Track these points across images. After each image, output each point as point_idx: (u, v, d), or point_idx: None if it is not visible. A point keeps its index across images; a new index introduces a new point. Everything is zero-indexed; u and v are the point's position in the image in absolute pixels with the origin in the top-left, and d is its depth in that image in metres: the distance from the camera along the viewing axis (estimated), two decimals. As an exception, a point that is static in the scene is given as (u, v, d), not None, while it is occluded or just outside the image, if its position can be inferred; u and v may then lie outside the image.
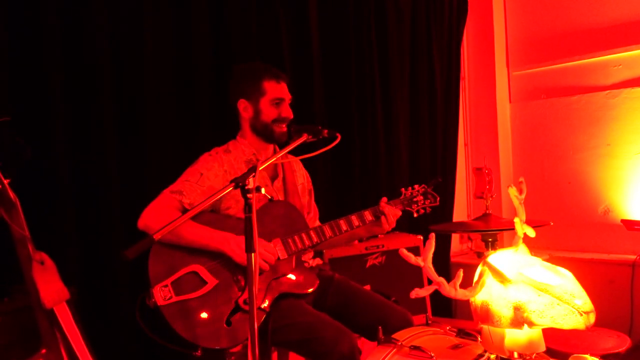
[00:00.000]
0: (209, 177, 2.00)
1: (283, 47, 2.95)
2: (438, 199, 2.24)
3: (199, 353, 1.79)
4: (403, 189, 2.23)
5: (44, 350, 1.57)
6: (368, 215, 2.12)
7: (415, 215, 2.20)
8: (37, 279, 1.54)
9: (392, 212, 2.12)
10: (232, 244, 1.86)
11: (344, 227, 2.09)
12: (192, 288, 1.84)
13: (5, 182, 1.51)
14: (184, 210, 1.90)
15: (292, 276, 2.00)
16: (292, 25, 3.03)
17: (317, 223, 2.35)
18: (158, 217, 1.85)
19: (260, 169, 1.55)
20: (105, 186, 2.31)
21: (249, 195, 1.49)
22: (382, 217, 2.11)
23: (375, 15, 3.48)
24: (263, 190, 1.54)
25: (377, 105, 3.46)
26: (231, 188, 1.51)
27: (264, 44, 2.87)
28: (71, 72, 2.23)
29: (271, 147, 2.19)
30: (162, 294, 1.79)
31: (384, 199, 2.16)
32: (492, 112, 4.25)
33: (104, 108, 2.31)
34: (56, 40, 2.18)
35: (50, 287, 1.56)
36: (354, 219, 2.10)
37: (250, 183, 1.49)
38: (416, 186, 2.24)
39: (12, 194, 1.52)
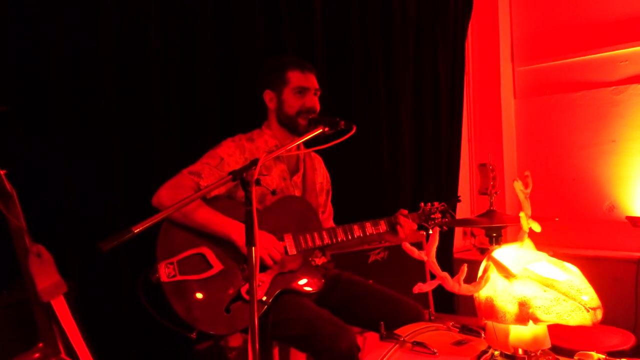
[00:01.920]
0: (229, 163, 1.98)
1: (286, 44, 2.92)
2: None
3: (194, 335, 1.78)
4: (422, 203, 2.23)
5: (40, 344, 1.55)
6: (383, 225, 2.12)
7: (430, 232, 2.18)
8: (34, 271, 1.52)
9: (408, 224, 2.11)
10: (241, 233, 1.83)
11: (357, 233, 2.08)
12: (197, 270, 1.83)
13: (2, 172, 1.49)
14: None
15: (297, 274, 1.99)
16: (297, 21, 3.00)
17: (331, 223, 2.35)
18: (173, 196, 1.83)
19: (264, 160, 1.53)
20: (106, 179, 2.29)
21: (249, 189, 1.46)
22: (399, 228, 2.11)
23: (380, 11, 3.45)
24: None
25: (381, 99, 3.43)
26: (229, 180, 1.49)
27: (268, 45, 2.84)
28: (75, 67, 2.21)
29: (296, 139, 2.15)
30: (166, 271, 1.78)
31: (404, 211, 2.15)
32: (497, 108, 4.22)
33: (108, 102, 2.29)
34: (62, 36, 2.16)
35: (47, 280, 1.53)
36: (368, 226, 2.10)
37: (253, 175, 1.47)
38: (436, 203, 2.24)
39: (8, 185, 1.50)
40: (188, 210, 1.83)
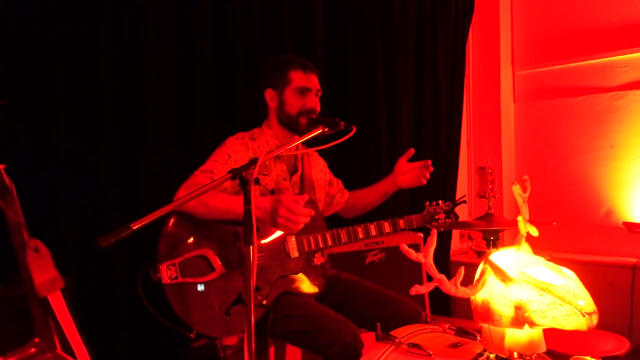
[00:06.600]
0: (237, 160, 1.98)
1: (287, 42, 2.92)
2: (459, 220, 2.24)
3: (193, 335, 1.78)
4: (427, 202, 2.23)
5: (37, 339, 1.54)
6: (387, 226, 2.12)
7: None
8: (32, 266, 1.51)
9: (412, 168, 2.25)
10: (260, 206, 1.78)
11: (361, 235, 2.08)
12: (199, 272, 1.82)
13: (1, 167, 1.48)
14: None
15: (299, 276, 1.99)
16: (297, 21, 3.00)
17: (347, 194, 2.43)
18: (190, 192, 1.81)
19: (263, 159, 1.54)
20: (104, 175, 2.28)
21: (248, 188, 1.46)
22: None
23: (380, 13, 3.45)
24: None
25: (380, 102, 3.43)
26: (228, 178, 1.49)
27: (268, 41, 2.84)
28: (72, 61, 2.20)
29: (296, 138, 2.14)
30: (168, 273, 1.76)
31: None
32: (496, 112, 4.23)
33: (105, 97, 2.28)
34: (59, 30, 2.15)
35: (44, 275, 1.53)
36: (372, 228, 2.09)
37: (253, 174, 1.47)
38: (440, 202, 2.24)
39: (7, 180, 1.50)
40: (206, 197, 1.77)
